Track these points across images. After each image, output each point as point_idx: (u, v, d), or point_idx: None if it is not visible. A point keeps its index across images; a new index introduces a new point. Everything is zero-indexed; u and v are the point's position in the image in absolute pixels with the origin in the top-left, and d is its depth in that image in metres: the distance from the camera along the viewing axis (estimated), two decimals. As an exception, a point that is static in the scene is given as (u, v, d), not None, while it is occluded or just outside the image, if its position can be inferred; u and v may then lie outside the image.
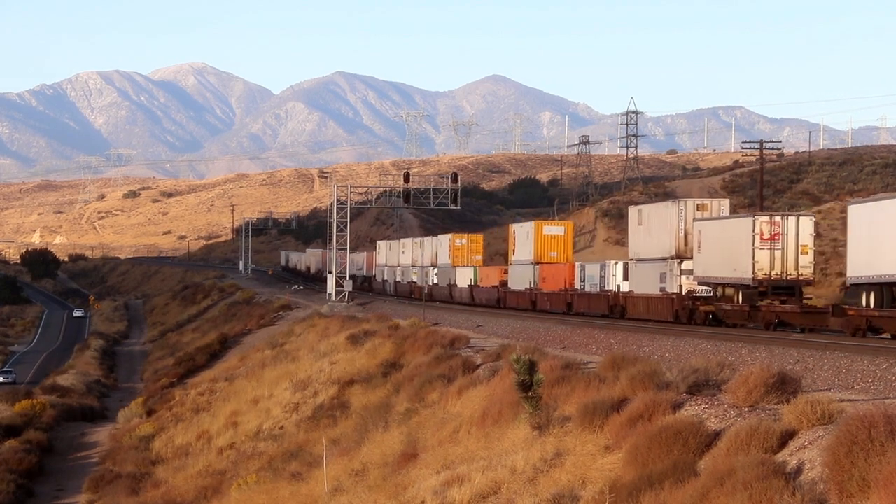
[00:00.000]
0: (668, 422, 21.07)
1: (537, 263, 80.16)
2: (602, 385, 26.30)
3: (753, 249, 51.19)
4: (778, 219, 51.82)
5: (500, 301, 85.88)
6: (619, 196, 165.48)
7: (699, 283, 55.87)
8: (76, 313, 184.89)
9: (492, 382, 32.69)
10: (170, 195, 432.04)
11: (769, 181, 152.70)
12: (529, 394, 25.30)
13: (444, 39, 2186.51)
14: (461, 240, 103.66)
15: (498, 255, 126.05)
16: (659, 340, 44.57)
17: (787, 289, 51.35)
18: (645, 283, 61.09)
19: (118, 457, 61.43)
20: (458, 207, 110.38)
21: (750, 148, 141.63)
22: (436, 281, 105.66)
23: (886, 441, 15.62)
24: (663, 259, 58.89)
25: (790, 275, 51.30)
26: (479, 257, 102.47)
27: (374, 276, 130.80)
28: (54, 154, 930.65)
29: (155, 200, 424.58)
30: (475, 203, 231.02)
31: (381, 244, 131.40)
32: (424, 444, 30.62)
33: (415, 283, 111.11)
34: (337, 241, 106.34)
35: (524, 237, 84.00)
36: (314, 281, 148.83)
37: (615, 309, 64.69)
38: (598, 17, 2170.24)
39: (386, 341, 56.42)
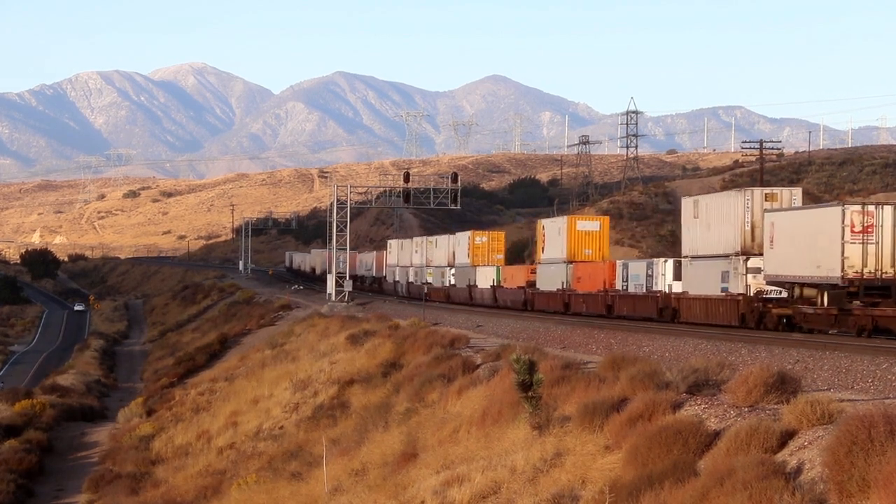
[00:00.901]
0: (668, 422, 21.08)
1: (570, 262, 73.69)
2: (602, 385, 26.31)
3: (843, 244, 44.19)
4: (871, 208, 45.01)
5: (528, 303, 79.63)
6: (618, 196, 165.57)
7: (768, 283, 49.62)
8: (77, 307, 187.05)
9: (492, 382, 32.69)
10: (170, 195, 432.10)
11: (769, 181, 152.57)
12: (529, 394, 25.30)
13: (444, 39, 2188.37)
14: (481, 237, 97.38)
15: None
16: (659, 340, 44.59)
17: (882, 289, 44.49)
18: (703, 283, 54.97)
19: (118, 457, 61.40)
20: (458, 207, 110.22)
21: (750, 148, 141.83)
22: (453, 282, 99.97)
23: (886, 441, 15.62)
24: (726, 256, 52.78)
25: (885, 273, 44.44)
26: (501, 256, 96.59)
27: (385, 277, 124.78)
28: (54, 154, 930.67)
29: (155, 200, 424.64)
30: (475, 203, 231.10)
31: (393, 243, 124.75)
32: (424, 443, 30.62)
33: (430, 283, 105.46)
34: (337, 241, 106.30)
35: (555, 233, 77.39)
36: (320, 282, 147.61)
37: (665, 312, 58.52)
38: (598, 17, 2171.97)
39: (386, 341, 56.41)
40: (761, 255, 50.32)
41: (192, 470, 51.43)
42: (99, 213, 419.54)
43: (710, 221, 54.85)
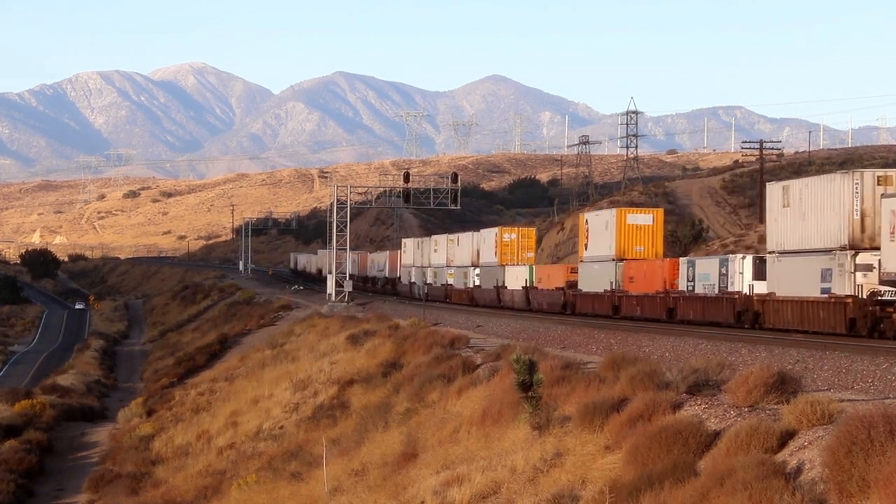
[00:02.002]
0: (668, 422, 21.08)
1: (620, 260, 66.18)
2: (602, 385, 26.31)
3: None
4: None
5: (568, 306, 71.97)
6: (618, 196, 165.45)
7: (884, 283, 41.55)
8: (78, 306, 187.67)
9: (492, 382, 32.69)
10: (170, 195, 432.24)
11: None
12: (529, 394, 25.30)
13: (444, 39, 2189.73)
14: (510, 234, 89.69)
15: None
16: (659, 340, 44.57)
17: None
18: (795, 283, 46.59)
19: (118, 457, 61.41)
20: (458, 207, 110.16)
21: (750, 148, 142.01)
22: (478, 283, 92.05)
23: (886, 441, 15.62)
24: (828, 251, 44.66)
25: None
26: (532, 254, 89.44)
27: (399, 278, 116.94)
28: (54, 154, 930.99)
29: (155, 200, 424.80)
30: (475, 203, 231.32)
31: (408, 242, 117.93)
32: (424, 443, 30.63)
33: (451, 285, 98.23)
34: (337, 242, 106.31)
35: (601, 228, 69.54)
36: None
37: (745, 316, 50.97)
38: (598, 17, 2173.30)
39: (386, 341, 56.41)
40: (874, 249, 42.55)
41: (192, 470, 51.42)
42: (99, 213, 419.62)
43: (805, 210, 46.40)
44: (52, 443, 68.80)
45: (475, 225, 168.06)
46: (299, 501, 33.28)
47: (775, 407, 21.19)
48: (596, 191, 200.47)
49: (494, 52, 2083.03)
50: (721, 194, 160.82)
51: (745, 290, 51.91)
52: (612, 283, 66.15)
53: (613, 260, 66.81)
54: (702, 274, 56.53)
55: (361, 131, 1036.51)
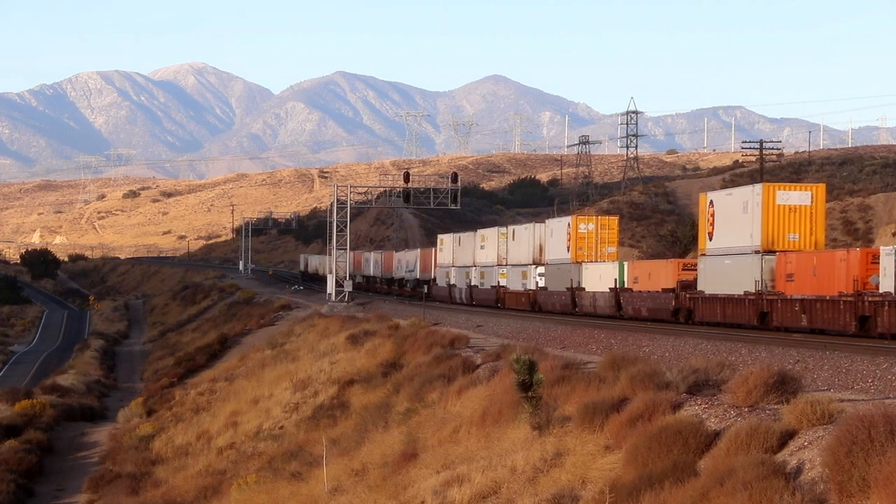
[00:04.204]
0: (668, 422, 21.09)
1: (769, 252, 51.00)
2: (602, 385, 26.32)
3: None
4: None
5: (683, 312, 56.74)
6: (619, 196, 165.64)
7: None
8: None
9: (492, 382, 32.70)
10: (170, 195, 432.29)
11: (769, 181, 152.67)
12: (529, 394, 25.32)
13: (444, 39, 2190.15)
14: (587, 224, 74.45)
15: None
16: (659, 340, 44.54)
17: None
18: None
19: (118, 457, 61.40)
20: (458, 207, 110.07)
21: (750, 148, 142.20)
22: (542, 284, 77.33)
23: (886, 441, 15.63)
24: None
25: None
26: (614, 249, 74.30)
27: (435, 280, 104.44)
28: (54, 154, 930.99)
29: (155, 200, 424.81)
30: (475, 203, 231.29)
31: (446, 238, 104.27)
32: (424, 443, 30.64)
33: (504, 287, 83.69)
34: (337, 241, 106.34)
35: (736, 210, 54.15)
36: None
37: None
38: (598, 17, 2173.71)
39: (386, 341, 56.43)
40: None
41: (192, 470, 51.44)
42: (99, 213, 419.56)
43: None
44: (52, 443, 68.79)
45: (475, 225, 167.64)
46: (299, 501, 33.28)
47: (775, 407, 21.20)
48: (596, 191, 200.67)
49: (494, 52, 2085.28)
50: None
51: None
52: (756, 282, 50.92)
53: (758, 252, 51.70)
54: None
55: (361, 131, 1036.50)
